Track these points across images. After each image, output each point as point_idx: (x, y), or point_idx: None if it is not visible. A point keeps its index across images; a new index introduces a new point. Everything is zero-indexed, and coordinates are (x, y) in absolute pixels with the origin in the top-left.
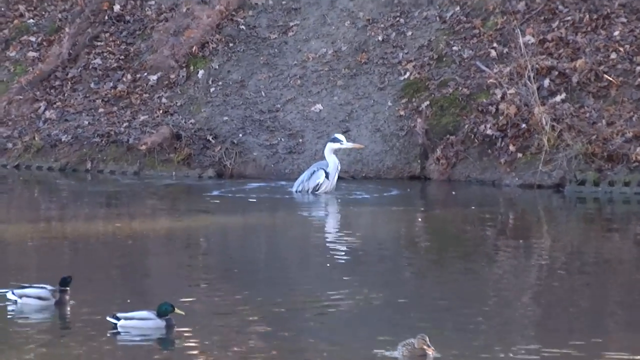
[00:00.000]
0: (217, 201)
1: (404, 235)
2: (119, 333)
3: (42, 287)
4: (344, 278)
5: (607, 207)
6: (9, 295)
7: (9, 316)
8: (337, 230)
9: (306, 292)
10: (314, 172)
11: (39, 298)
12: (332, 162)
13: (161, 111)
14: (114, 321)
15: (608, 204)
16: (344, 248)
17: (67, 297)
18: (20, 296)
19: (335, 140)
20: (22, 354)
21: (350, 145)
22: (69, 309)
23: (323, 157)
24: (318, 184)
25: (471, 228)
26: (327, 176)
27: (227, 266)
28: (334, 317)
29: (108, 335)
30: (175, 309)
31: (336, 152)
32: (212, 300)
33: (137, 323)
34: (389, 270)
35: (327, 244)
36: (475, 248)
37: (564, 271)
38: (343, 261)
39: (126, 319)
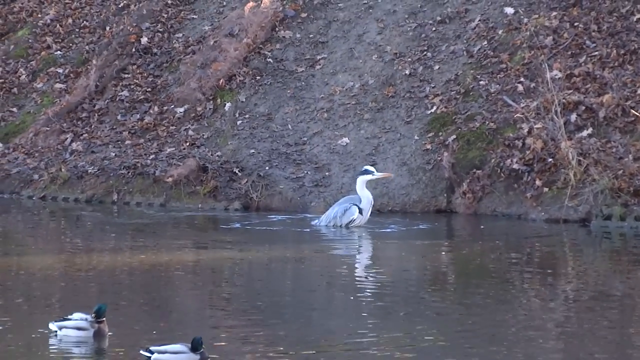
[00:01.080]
0: (242, 234)
1: (430, 271)
2: None
3: (81, 318)
4: (371, 317)
5: (633, 242)
6: (50, 326)
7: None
8: (365, 265)
9: (337, 332)
10: (348, 208)
11: (78, 329)
12: (366, 198)
13: (188, 143)
14: (148, 354)
15: (634, 239)
16: (372, 284)
17: (106, 329)
18: (60, 327)
19: (366, 172)
20: None
21: (380, 175)
22: (107, 341)
23: (350, 191)
24: (352, 220)
25: (497, 263)
26: (360, 212)
27: (253, 301)
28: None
29: None
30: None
31: (368, 185)
32: (238, 334)
33: (170, 357)
34: (415, 309)
35: (355, 280)
36: (501, 284)
37: (590, 307)
38: (370, 298)
39: (160, 352)
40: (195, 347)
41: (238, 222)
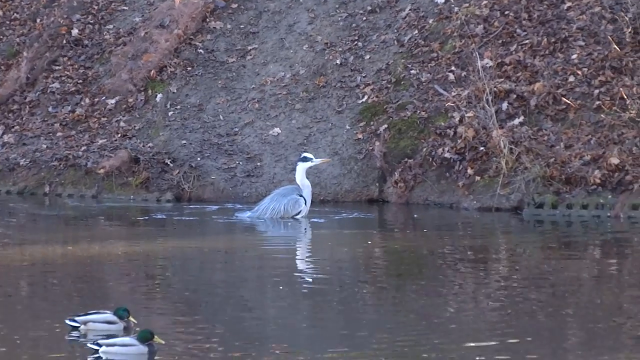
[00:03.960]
0: (174, 224)
1: (363, 259)
2: (100, 359)
3: (106, 312)
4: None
5: (565, 230)
6: (68, 322)
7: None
8: (298, 256)
9: (271, 325)
10: (297, 199)
11: (108, 322)
12: (307, 187)
13: (119, 135)
14: (96, 347)
15: (566, 227)
16: (305, 275)
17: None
18: (84, 322)
19: (306, 159)
20: None
21: (319, 160)
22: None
23: (283, 181)
24: (300, 211)
25: (430, 253)
26: (304, 202)
27: (187, 292)
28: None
29: None
30: (155, 336)
31: (307, 172)
32: (175, 327)
33: (120, 349)
34: (349, 296)
35: (289, 272)
36: (433, 271)
37: (521, 294)
38: (304, 289)
39: (109, 345)
40: (143, 340)
41: (169, 213)
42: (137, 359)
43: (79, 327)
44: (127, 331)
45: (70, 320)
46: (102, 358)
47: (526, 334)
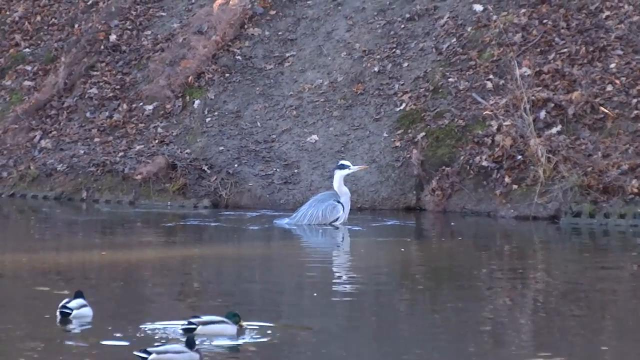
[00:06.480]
0: (212, 231)
1: (400, 267)
2: None
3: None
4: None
5: (602, 239)
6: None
7: None
8: (335, 263)
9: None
10: (335, 206)
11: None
12: (345, 194)
13: (157, 141)
14: (144, 355)
15: (603, 236)
16: (342, 282)
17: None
18: (202, 323)
19: (343, 167)
20: None
21: (356, 168)
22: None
23: (320, 188)
24: (337, 218)
25: (467, 261)
26: (342, 208)
27: (224, 296)
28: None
29: None
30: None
31: (345, 180)
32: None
33: (172, 357)
34: (384, 303)
35: (325, 278)
36: (469, 280)
37: (557, 304)
38: (339, 296)
39: (159, 353)
40: (191, 345)
41: (206, 219)
42: None
43: (196, 328)
44: (239, 334)
45: (187, 323)
46: None
47: (560, 346)
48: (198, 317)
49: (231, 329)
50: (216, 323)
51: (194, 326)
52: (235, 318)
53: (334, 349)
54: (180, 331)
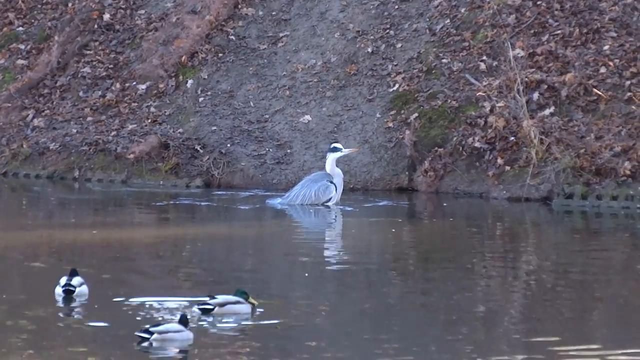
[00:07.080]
0: (205, 210)
1: (391, 247)
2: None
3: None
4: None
5: (595, 221)
6: (196, 309)
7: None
8: (326, 242)
9: (301, 302)
10: (327, 186)
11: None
12: (339, 175)
13: (149, 120)
14: (146, 335)
15: (595, 218)
16: (332, 261)
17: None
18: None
19: (336, 149)
20: None
21: (348, 150)
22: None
23: (312, 168)
24: (330, 198)
25: (459, 242)
26: (335, 189)
27: (214, 276)
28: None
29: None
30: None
31: (337, 161)
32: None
33: (173, 336)
34: (376, 280)
35: (317, 255)
36: (461, 260)
37: (550, 284)
38: (330, 275)
39: (161, 332)
40: (184, 323)
41: (198, 198)
42: (185, 344)
43: (213, 309)
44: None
45: (201, 304)
46: (152, 345)
47: (552, 327)
48: (214, 297)
49: (246, 308)
50: (232, 304)
51: (210, 306)
52: (244, 295)
53: (323, 327)
54: (198, 311)
